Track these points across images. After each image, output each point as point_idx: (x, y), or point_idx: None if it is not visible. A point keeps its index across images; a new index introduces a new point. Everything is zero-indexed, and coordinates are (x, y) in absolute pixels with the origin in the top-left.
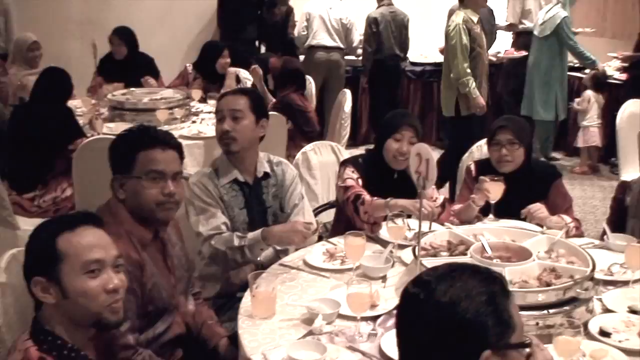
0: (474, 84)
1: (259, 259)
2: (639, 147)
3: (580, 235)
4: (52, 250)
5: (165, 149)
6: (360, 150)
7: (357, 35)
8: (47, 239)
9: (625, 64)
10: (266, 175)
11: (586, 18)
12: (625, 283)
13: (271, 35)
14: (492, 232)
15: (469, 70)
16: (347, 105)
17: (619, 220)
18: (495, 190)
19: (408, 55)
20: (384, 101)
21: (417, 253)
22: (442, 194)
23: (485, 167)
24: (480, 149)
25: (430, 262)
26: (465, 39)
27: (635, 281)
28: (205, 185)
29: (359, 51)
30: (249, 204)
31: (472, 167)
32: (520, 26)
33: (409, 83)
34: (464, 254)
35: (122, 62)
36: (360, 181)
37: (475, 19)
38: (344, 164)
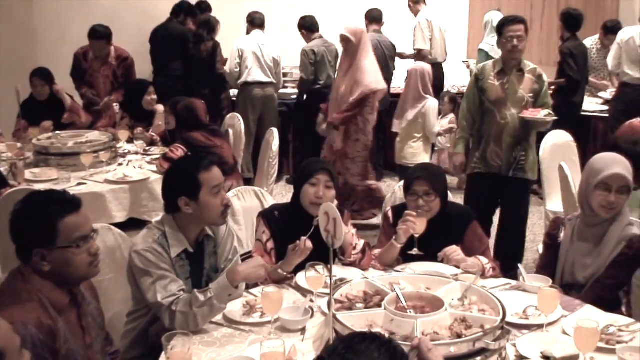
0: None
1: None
2: (560, 179)
3: (497, 276)
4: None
5: (79, 210)
6: None
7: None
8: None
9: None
10: (207, 236)
11: None
12: (539, 327)
13: (199, 70)
14: (407, 280)
15: (464, 123)
16: (275, 144)
17: (551, 256)
18: (420, 223)
19: None
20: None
21: (330, 308)
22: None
23: (401, 213)
24: (401, 189)
25: (345, 316)
26: (472, 90)
27: (550, 324)
28: (159, 251)
29: (287, 86)
30: (193, 272)
31: (390, 213)
32: (428, 56)
33: None
34: (379, 305)
35: (45, 103)
36: (269, 243)
37: (499, 68)
38: (259, 217)
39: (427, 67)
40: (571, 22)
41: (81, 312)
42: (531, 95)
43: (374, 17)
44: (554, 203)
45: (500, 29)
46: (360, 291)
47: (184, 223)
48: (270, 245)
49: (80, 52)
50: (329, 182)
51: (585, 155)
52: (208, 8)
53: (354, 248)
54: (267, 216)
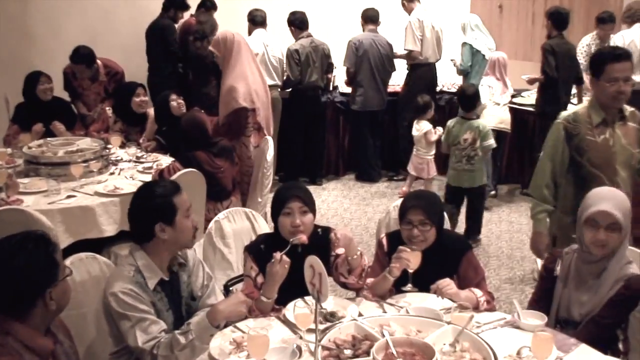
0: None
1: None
2: None
3: (491, 309)
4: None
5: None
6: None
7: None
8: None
9: (530, 87)
10: (182, 265)
11: None
12: None
13: (201, 69)
14: (398, 321)
15: (545, 192)
16: (269, 154)
17: (546, 289)
18: (414, 259)
19: (337, 84)
20: (298, 132)
21: (316, 357)
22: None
23: (396, 241)
24: (396, 209)
25: None
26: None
27: None
28: (136, 292)
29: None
30: (172, 303)
31: (384, 240)
32: (419, 56)
33: (337, 113)
34: (367, 353)
35: (38, 108)
36: (259, 278)
37: (598, 118)
38: (245, 252)
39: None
40: (559, 20)
41: (56, 353)
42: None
43: (369, 17)
44: None
45: (599, 66)
46: (349, 335)
47: (155, 251)
48: (260, 279)
49: (68, 71)
50: (303, 208)
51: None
52: (213, 6)
53: (363, 270)
54: (254, 251)
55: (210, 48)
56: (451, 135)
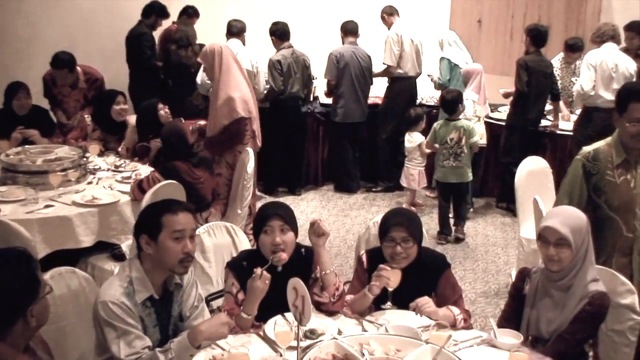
0: None
1: None
2: (534, 211)
3: (468, 327)
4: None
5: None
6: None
7: (263, 81)
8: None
9: (506, 101)
10: (178, 285)
11: None
12: None
13: (179, 75)
14: (378, 340)
15: None
16: (250, 166)
17: (516, 308)
18: (394, 277)
19: (318, 95)
20: (278, 142)
21: None
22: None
23: (376, 258)
24: (375, 225)
25: None
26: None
27: None
28: (126, 304)
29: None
30: (160, 320)
31: (364, 257)
32: (397, 71)
33: (317, 124)
34: None
35: (16, 116)
36: (240, 295)
37: (619, 158)
38: (226, 268)
39: None
40: (538, 37)
41: None
42: None
43: (349, 29)
44: (528, 230)
45: (623, 104)
46: (330, 354)
47: (149, 266)
48: (241, 296)
49: (48, 78)
50: (283, 226)
51: None
52: (196, 14)
53: (337, 289)
54: (235, 268)
55: (199, 60)
56: (438, 136)
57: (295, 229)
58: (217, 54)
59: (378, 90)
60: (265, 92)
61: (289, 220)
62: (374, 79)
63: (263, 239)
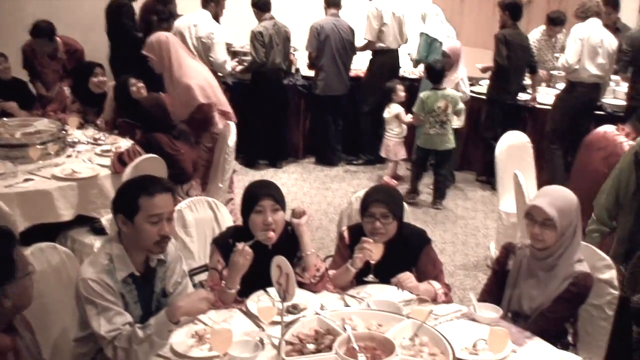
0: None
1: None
2: (514, 186)
3: (449, 301)
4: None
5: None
6: None
7: (222, 53)
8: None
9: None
10: (160, 262)
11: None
12: None
13: None
14: (360, 315)
15: (604, 215)
16: (232, 139)
17: (498, 283)
18: (376, 250)
19: (299, 67)
20: (260, 114)
21: (280, 352)
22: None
23: (357, 233)
24: (358, 200)
25: None
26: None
27: None
28: (106, 282)
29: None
30: (142, 296)
31: (346, 233)
32: (378, 44)
33: (299, 97)
34: (329, 347)
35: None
36: (225, 272)
37: None
38: (212, 244)
39: None
40: (515, 11)
41: (17, 348)
42: None
43: (331, 1)
44: (507, 203)
45: None
46: (312, 329)
47: (128, 244)
48: (226, 273)
49: (27, 49)
50: (275, 206)
51: None
52: None
53: (317, 270)
54: (221, 244)
55: (145, 52)
56: (426, 106)
57: (284, 208)
58: (163, 44)
59: (361, 63)
60: (228, 62)
61: (280, 200)
62: (357, 53)
63: (254, 219)
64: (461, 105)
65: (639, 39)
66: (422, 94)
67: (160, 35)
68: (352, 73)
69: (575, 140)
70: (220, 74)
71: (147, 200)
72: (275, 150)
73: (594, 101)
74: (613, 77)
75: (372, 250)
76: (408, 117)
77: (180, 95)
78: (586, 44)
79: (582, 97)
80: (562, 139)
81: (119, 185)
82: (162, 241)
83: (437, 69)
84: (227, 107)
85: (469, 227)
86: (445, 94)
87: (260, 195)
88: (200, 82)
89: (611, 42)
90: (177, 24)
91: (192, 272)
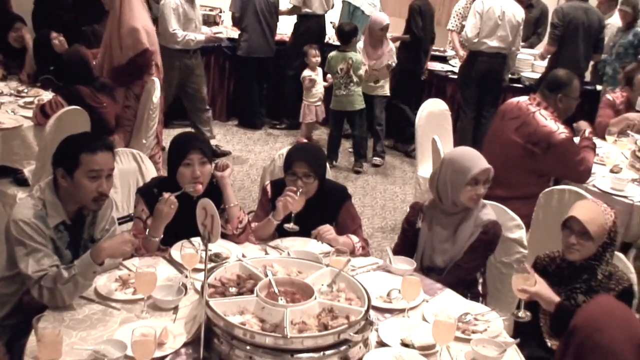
0: None
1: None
2: (432, 151)
3: (366, 254)
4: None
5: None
6: None
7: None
8: None
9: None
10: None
11: None
12: (402, 311)
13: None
14: (280, 263)
15: None
16: (156, 95)
17: (408, 241)
18: (298, 201)
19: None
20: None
21: (204, 294)
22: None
23: (280, 188)
24: (281, 157)
25: (217, 303)
26: None
27: (411, 309)
28: (37, 225)
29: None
30: (73, 242)
31: (268, 188)
32: (304, 10)
33: (223, 58)
34: (251, 291)
35: None
36: (149, 221)
37: None
38: (137, 194)
39: None
40: None
41: None
42: None
43: None
44: (425, 169)
45: None
46: (234, 274)
47: (63, 195)
48: (150, 222)
49: None
50: (202, 159)
51: None
52: None
53: (240, 222)
54: (146, 194)
55: None
56: (331, 67)
57: (211, 162)
58: None
59: (287, 27)
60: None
61: (208, 153)
62: (282, 17)
63: (182, 171)
64: (361, 72)
65: (569, 13)
66: (329, 55)
67: None
68: (278, 37)
69: (482, 108)
70: None
71: (88, 157)
72: None
73: (497, 71)
74: (531, 50)
75: (294, 198)
76: (326, 83)
77: (125, 37)
78: (485, 18)
79: (482, 66)
80: (469, 107)
81: (61, 140)
82: (100, 198)
83: (346, 30)
84: (160, 60)
85: (388, 192)
86: (347, 57)
87: (189, 148)
88: (146, 26)
89: (515, 13)
90: None
91: (118, 222)
